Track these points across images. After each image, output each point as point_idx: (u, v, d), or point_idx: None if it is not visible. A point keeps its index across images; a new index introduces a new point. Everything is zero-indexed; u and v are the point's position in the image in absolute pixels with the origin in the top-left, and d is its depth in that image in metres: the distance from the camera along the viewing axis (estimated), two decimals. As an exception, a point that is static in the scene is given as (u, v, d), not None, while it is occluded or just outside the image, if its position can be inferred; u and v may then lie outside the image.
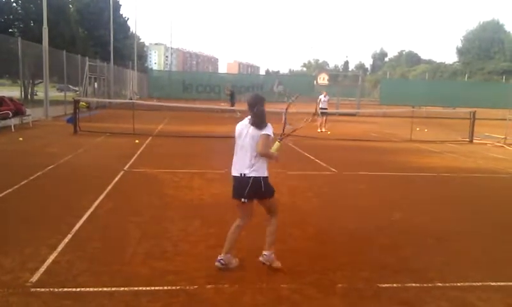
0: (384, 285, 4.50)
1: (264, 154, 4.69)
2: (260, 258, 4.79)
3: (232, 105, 27.59)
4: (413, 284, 4.55)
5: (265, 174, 4.79)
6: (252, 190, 4.67)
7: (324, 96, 21.71)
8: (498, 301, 4.30)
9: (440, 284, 4.58)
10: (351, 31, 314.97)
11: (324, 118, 20.94)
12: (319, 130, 20.40)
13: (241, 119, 4.92)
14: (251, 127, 4.70)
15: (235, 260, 4.84)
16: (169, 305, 3.91)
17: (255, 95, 4.85)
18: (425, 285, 4.54)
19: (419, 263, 5.13)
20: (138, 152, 12.22)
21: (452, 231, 6.42)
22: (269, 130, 4.74)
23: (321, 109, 20.48)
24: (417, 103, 36.29)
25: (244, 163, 4.71)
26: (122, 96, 42.17)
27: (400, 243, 5.79)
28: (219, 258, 4.72)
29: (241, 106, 27.60)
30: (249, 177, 4.66)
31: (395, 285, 4.52)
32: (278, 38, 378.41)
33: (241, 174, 4.70)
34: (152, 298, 4.00)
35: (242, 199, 4.71)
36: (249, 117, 4.77)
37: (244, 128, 4.76)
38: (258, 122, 4.70)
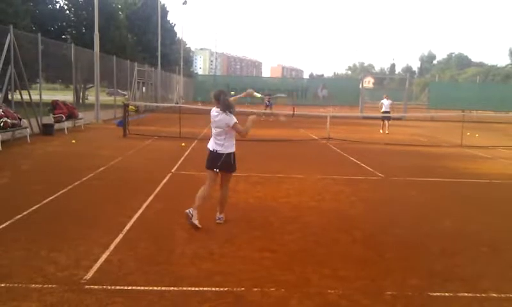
0: (434, 294, 4.37)
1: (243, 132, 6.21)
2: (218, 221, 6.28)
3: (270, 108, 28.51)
4: (465, 294, 4.39)
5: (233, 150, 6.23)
6: (224, 162, 6.10)
7: (386, 100, 22.31)
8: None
9: (494, 295, 4.41)
10: (397, 33, 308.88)
11: (387, 121, 21.94)
12: (381, 131, 21.46)
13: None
14: (222, 113, 6.07)
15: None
16: (218, 306, 3.96)
17: (218, 90, 6.33)
18: (478, 295, 4.38)
19: (472, 272, 4.95)
20: (184, 155, 12.45)
21: (507, 239, 6.16)
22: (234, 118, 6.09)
23: (384, 112, 21.60)
24: (468, 107, 35.17)
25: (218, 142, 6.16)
26: (169, 100, 43.11)
27: (451, 251, 5.61)
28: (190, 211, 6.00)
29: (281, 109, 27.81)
30: (222, 153, 6.10)
31: (446, 294, 4.38)
32: (323, 40, 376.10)
33: (214, 150, 6.13)
34: (200, 298, 4.06)
35: (215, 169, 6.13)
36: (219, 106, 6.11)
37: (217, 115, 6.12)
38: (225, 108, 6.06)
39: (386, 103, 22.09)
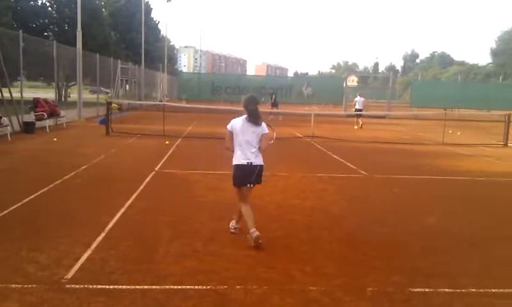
0: (415, 290, 4.43)
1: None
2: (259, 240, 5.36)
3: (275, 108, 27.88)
4: (446, 290, 4.46)
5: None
6: (258, 175, 5.62)
7: (360, 97, 23.93)
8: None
9: (473, 290, 4.48)
10: (381, 32, 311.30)
11: (360, 118, 23.38)
12: (356, 127, 22.89)
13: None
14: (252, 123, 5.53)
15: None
16: (200, 304, 3.95)
17: (249, 97, 5.69)
18: (458, 291, 4.44)
19: (452, 268, 5.03)
20: (168, 153, 12.39)
21: (488, 236, 6.26)
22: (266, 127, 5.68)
23: (357, 110, 23.17)
24: (449, 106, 35.57)
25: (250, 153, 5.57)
26: (152, 98, 42.80)
27: (433, 247, 5.68)
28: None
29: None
30: (256, 165, 5.58)
31: (427, 290, 4.44)
32: (307, 39, 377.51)
33: (249, 162, 5.54)
34: (183, 297, 4.05)
35: (249, 185, 5.67)
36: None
37: (248, 125, 5.53)
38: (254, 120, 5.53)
39: (359, 101, 23.52)
